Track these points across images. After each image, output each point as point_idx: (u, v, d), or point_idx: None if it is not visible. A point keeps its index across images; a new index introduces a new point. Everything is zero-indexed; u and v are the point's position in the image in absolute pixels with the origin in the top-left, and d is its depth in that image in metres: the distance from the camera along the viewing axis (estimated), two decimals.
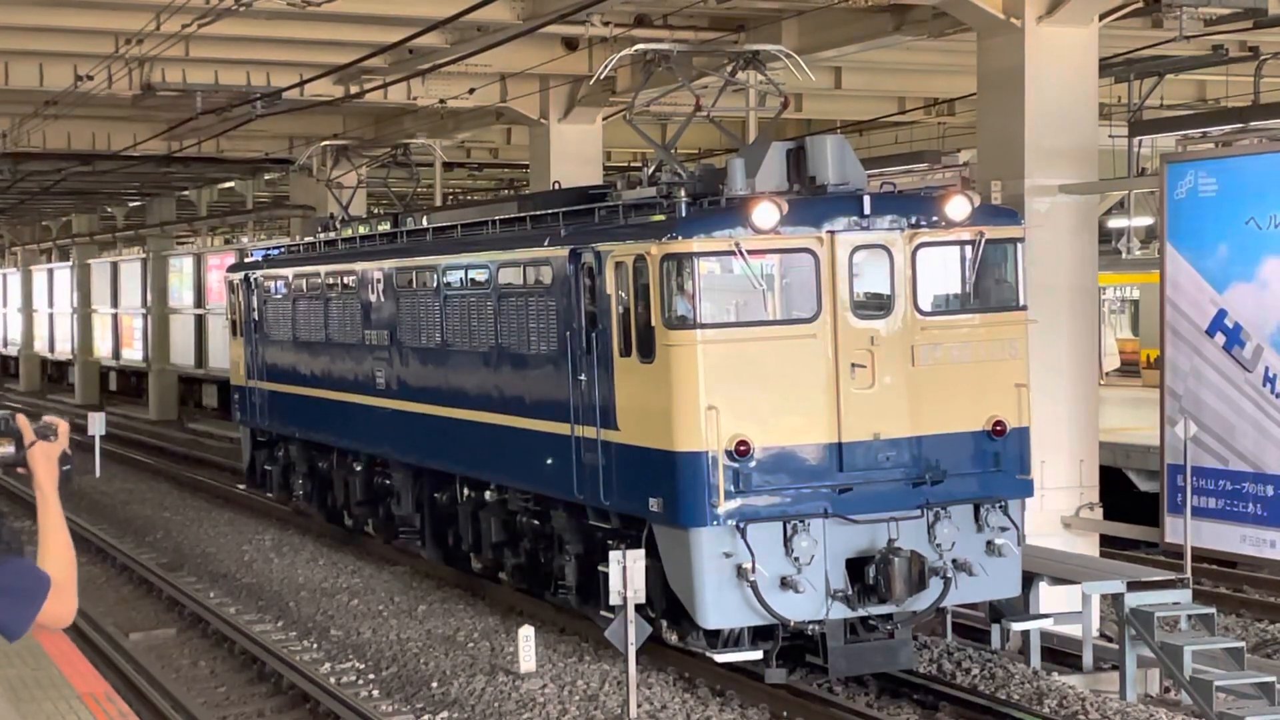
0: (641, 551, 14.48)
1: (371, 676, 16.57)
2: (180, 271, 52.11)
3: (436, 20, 20.22)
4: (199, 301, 49.93)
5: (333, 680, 16.22)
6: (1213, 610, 15.61)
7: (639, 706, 14.27)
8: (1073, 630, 15.94)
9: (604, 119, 29.40)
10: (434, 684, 15.85)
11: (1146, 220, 31.81)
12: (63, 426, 5.16)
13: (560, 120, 28.96)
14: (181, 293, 51.68)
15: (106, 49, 24.76)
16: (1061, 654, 16.00)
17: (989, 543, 14.43)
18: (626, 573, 14.05)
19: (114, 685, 14.01)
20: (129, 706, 12.94)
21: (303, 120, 33.94)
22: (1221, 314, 16.37)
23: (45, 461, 5.03)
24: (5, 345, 73.63)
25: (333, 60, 24.73)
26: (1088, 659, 15.58)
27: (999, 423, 14.48)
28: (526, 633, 16.16)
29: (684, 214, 14.34)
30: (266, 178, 45.55)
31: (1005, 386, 14.60)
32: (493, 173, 45.05)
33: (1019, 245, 14.94)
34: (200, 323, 49.68)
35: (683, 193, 14.70)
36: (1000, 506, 14.53)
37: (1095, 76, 19.92)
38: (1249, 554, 16.69)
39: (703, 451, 13.71)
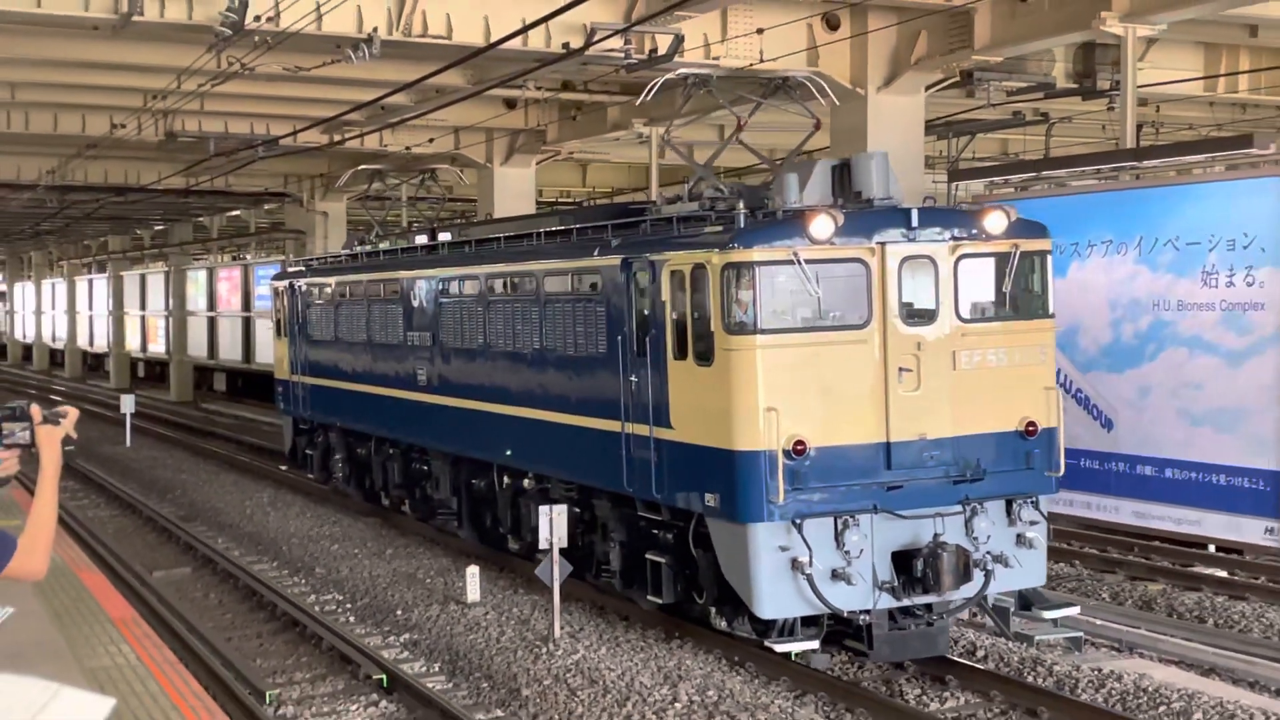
0: (564, 506, 14.22)
1: (349, 606, 16.48)
2: (196, 282, 51.76)
3: (403, 83, 20.14)
4: (211, 306, 49.71)
5: (317, 609, 16.13)
6: None
7: (562, 628, 14.27)
8: None
9: (536, 163, 29.41)
10: (399, 611, 15.78)
11: None
12: (71, 414, 4.94)
13: (502, 164, 28.97)
14: (197, 299, 51.33)
15: (136, 103, 24.52)
16: None
17: (1019, 535, 12.56)
18: (553, 523, 13.98)
19: (140, 613, 13.88)
20: (152, 629, 12.84)
21: (295, 162, 33.75)
22: None
23: (49, 443, 4.83)
24: (54, 340, 72.71)
25: (319, 114, 24.60)
26: None
27: (1031, 423, 12.58)
28: (473, 571, 16.13)
29: (743, 225, 12.28)
30: (266, 207, 45.21)
31: (1036, 389, 12.69)
32: (450, 205, 44.93)
33: (1048, 257, 13.04)
34: (212, 323, 49.34)
35: (741, 205, 12.64)
36: (1032, 502, 12.66)
37: (921, 135, 20.21)
38: None
39: (762, 451, 11.74)
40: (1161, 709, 11.53)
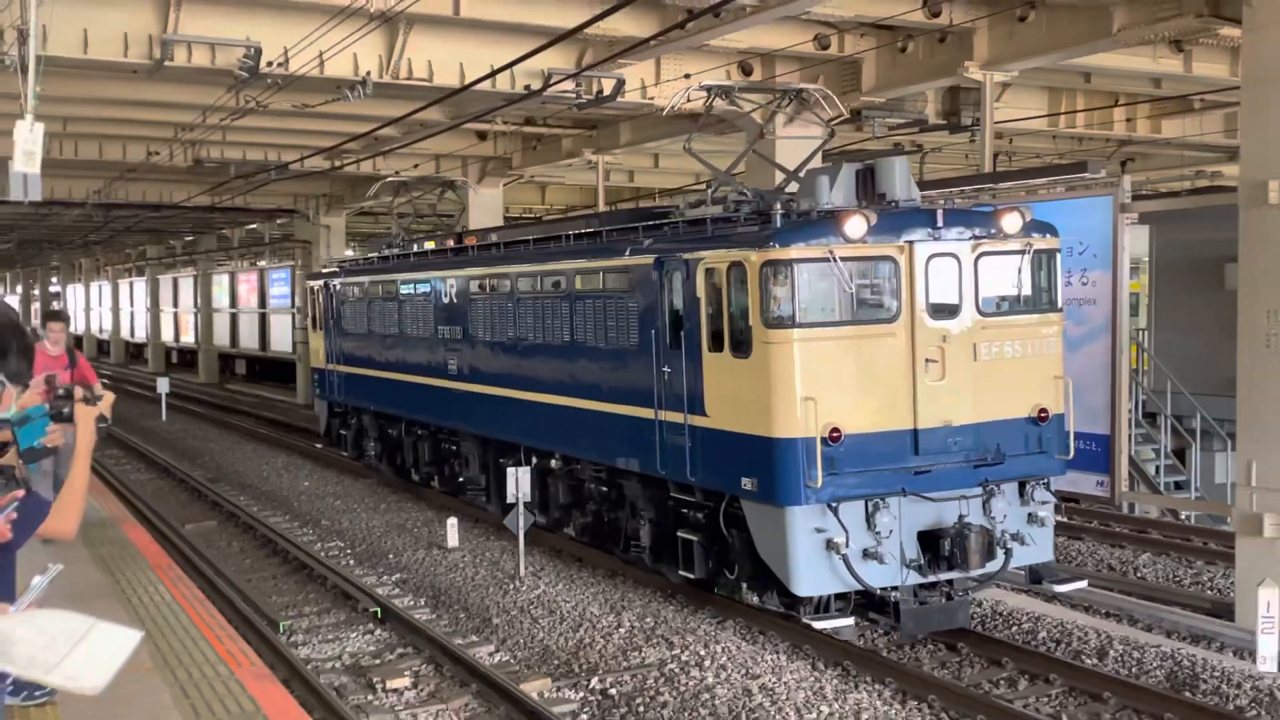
0: (527, 468, 14.12)
1: (349, 551, 16.38)
2: (220, 284, 51.22)
3: (392, 118, 19.98)
4: (233, 303, 49.22)
5: (323, 554, 16.02)
6: None
7: (526, 568, 14.26)
8: None
9: (504, 185, 29.24)
10: (390, 555, 15.70)
11: None
12: (107, 398, 4.78)
13: (475, 185, 28.76)
14: (221, 298, 50.82)
15: (168, 134, 24.17)
16: None
17: (1031, 514, 11.31)
18: (518, 482, 13.94)
19: (174, 559, 13.75)
20: (184, 573, 12.71)
21: (302, 183, 33.39)
22: None
23: (84, 419, 4.66)
24: (101, 332, 71.81)
25: (322, 144, 24.33)
26: None
27: (1043, 410, 11.34)
28: (452, 521, 16.07)
29: (781, 225, 10.94)
30: (278, 221, 44.68)
31: (1047, 378, 11.42)
32: (432, 220, 44.56)
33: (1057, 255, 11.66)
34: (234, 318, 48.84)
35: (779, 206, 11.22)
36: (1043, 483, 11.42)
37: (820, 162, 20.17)
38: None
39: (800, 438, 10.42)
40: (1014, 628, 11.70)
